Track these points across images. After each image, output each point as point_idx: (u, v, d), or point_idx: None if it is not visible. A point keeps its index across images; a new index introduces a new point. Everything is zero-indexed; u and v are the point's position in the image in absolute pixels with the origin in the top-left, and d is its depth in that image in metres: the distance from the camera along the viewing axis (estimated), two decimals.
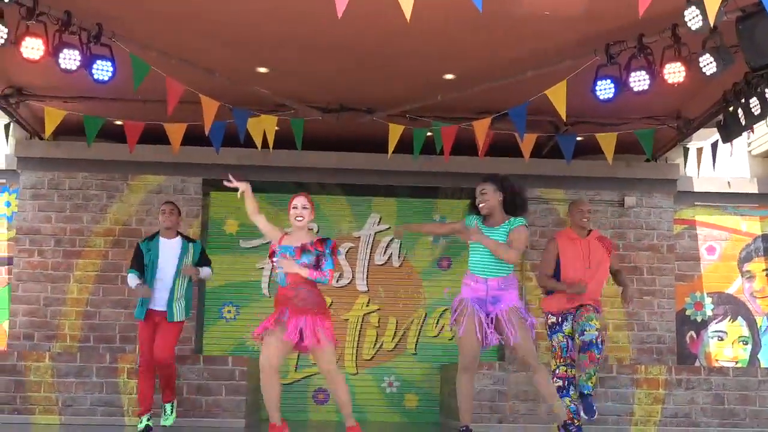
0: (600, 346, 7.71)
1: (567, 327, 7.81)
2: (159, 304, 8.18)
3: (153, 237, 8.39)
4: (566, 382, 7.75)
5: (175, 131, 8.91)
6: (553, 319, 7.83)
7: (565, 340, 7.79)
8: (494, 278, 6.65)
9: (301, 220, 6.64)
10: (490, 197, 6.74)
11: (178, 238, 8.36)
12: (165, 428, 8.26)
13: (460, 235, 7.03)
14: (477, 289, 6.67)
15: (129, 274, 8.31)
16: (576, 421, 7.72)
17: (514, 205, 6.77)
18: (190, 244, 8.41)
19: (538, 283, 8.32)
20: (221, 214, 10.76)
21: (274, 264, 6.64)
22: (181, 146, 9.01)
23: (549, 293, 7.99)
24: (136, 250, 8.40)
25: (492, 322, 6.66)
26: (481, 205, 6.77)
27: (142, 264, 8.24)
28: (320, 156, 10.56)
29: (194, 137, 9.02)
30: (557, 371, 7.78)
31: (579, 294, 7.76)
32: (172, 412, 8.30)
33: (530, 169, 10.26)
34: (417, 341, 10.76)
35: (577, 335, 7.74)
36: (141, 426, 8.05)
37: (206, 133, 8.57)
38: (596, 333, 7.64)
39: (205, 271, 8.44)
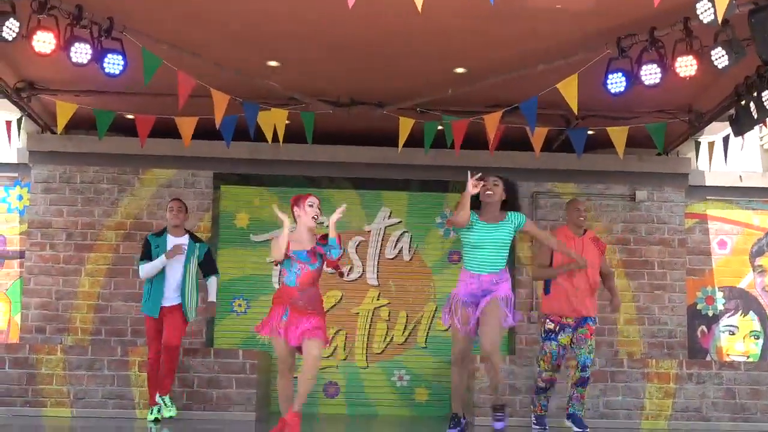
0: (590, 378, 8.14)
1: (563, 337, 7.95)
2: (171, 301, 8.31)
3: (161, 233, 8.51)
4: (549, 384, 8.09)
5: (186, 125, 8.92)
6: (551, 326, 7.96)
7: (557, 349, 7.95)
8: (487, 274, 6.92)
9: (316, 219, 6.68)
10: (499, 191, 7.01)
11: (186, 236, 8.46)
12: (170, 419, 8.28)
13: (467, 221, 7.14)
14: (470, 284, 6.94)
15: (141, 265, 8.48)
16: (543, 411, 8.22)
17: (513, 207, 7.11)
18: (197, 244, 8.51)
19: (533, 275, 8.47)
20: (232, 207, 10.77)
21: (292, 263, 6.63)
22: (191, 140, 9.03)
23: (547, 292, 8.04)
24: (145, 243, 8.61)
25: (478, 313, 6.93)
26: (488, 193, 6.99)
27: (151, 255, 8.43)
28: (331, 150, 10.56)
29: (205, 131, 9.04)
30: (543, 374, 8.04)
31: (580, 268, 7.86)
32: (172, 404, 8.33)
33: (541, 163, 10.26)
34: (427, 335, 10.76)
35: (577, 364, 7.97)
36: (151, 417, 8.22)
37: (217, 126, 8.58)
38: (591, 368, 8.02)
39: (213, 289, 8.65)
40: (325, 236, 6.62)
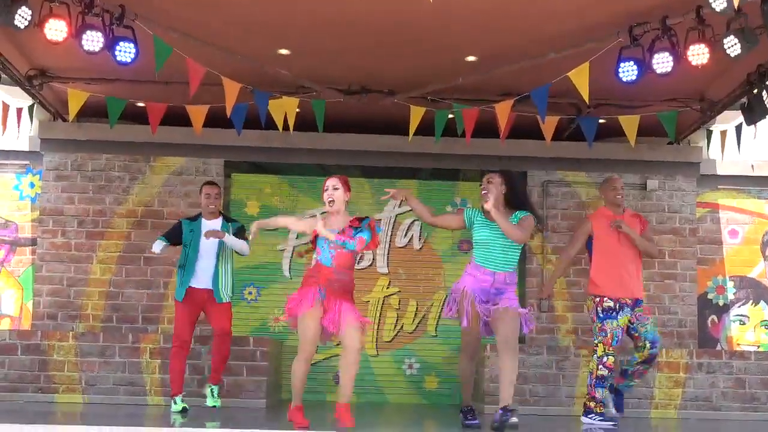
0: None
1: (623, 318, 7.62)
2: (202, 282, 8.16)
3: (196, 218, 8.31)
4: (610, 372, 7.64)
5: (197, 113, 8.94)
6: (610, 303, 7.60)
7: (619, 329, 7.59)
8: (502, 273, 6.77)
9: (332, 202, 6.58)
10: (495, 187, 6.84)
11: (219, 219, 8.30)
12: (209, 409, 8.17)
13: (459, 228, 7.15)
14: (483, 280, 6.76)
15: (157, 240, 8.25)
16: (600, 409, 7.70)
17: (517, 201, 6.87)
18: (229, 224, 8.33)
19: (560, 259, 8.30)
20: (242, 195, 10.79)
21: (318, 245, 6.59)
22: (202, 128, 9.04)
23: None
24: (176, 225, 8.35)
25: (491, 314, 6.76)
26: (484, 192, 6.87)
27: (175, 238, 8.22)
28: (341, 138, 10.56)
29: (216, 119, 9.05)
30: (605, 360, 7.57)
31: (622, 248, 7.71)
32: (218, 396, 8.18)
33: (552, 151, 10.26)
34: (437, 323, 10.77)
35: (643, 342, 7.69)
36: (177, 408, 7.96)
37: (228, 115, 8.59)
38: (659, 345, 7.75)
39: (236, 241, 8.16)
40: (358, 219, 6.55)
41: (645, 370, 7.89)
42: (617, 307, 7.61)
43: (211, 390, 8.23)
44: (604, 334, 7.58)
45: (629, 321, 7.68)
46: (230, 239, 8.17)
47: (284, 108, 8.86)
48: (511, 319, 6.73)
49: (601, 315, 7.63)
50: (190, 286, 8.14)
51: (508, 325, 6.72)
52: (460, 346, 7.11)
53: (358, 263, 10.64)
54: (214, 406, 8.14)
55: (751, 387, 9.11)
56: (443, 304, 10.55)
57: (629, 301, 7.66)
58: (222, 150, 10.57)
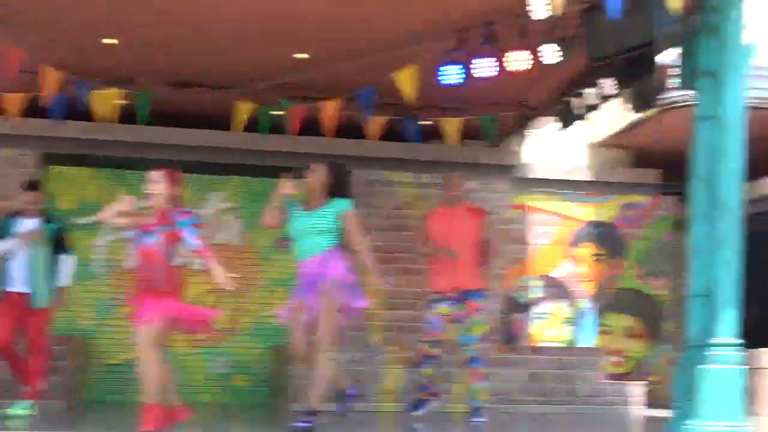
0: (483, 361, 7.74)
1: (443, 307, 7.69)
2: (16, 285, 7.86)
3: (13, 215, 7.99)
4: (422, 358, 7.73)
5: (13, 101, 8.62)
6: (432, 296, 7.77)
7: (434, 317, 7.69)
8: (312, 257, 6.65)
9: (150, 195, 6.44)
10: (314, 177, 6.77)
11: (38, 219, 7.98)
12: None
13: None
14: (304, 274, 6.70)
15: None
16: (423, 396, 7.83)
17: (337, 192, 6.79)
18: (48, 225, 8.00)
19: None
20: (59, 188, 10.39)
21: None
22: (19, 117, 8.71)
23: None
24: None
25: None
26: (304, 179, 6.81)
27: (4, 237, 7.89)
28: (166, 132, 10.36)
29: (36, 109, 8.73)
30: (418, 346, 7.79)
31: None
32: (24, 408, 7.81)
33: (377, 151, 10.43)
34: (251, 322, 10.69)
35: (459, 339, 7.76)
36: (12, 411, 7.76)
37: (44, 104, 8.32)
38: (479, 348, 7.66)
39: (63, 272, 8.06)
40: (163, 216, 6.39)
41: (467, 378, 7.84)
42: (437, 298, 7.75)
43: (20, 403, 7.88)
44: (423, 326, 7.81)
45: (453, 314, 7.77)
46: (68, 274, 8.05)
47: (107, 99, 8.64)
48: (324, 321, 6.58)
49: (425, 306, 7.86)
50: (3, 290, 7.86)
51: (321, 328, 6.58)
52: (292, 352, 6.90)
53: (172, 261, 10.45)
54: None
55: (547, 381, 9.47)
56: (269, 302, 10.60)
57: (454, 294, 7.72)
58: (39, 141, 10.16)
